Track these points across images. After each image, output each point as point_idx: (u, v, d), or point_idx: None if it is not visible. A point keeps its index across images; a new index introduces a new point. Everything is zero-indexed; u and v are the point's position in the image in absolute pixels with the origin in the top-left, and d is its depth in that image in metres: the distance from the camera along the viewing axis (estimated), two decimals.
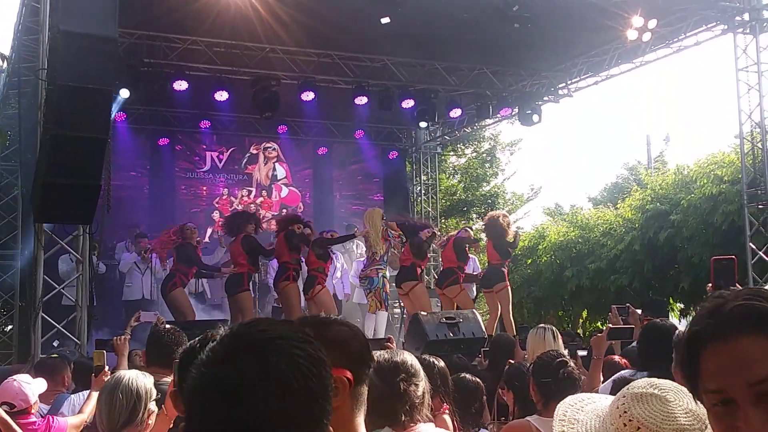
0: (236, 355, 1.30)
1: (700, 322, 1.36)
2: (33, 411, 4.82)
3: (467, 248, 12.41)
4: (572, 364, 4.10)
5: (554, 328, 6.10)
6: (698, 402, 1.80)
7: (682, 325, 6.24)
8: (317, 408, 1.32)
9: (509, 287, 12.39)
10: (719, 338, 1.31)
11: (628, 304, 7.40)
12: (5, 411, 4.61)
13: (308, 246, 11.72)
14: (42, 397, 6.07)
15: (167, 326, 5.02)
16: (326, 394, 1.34)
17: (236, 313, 11.27)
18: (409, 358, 3.04)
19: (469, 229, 13.22)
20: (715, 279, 3.07)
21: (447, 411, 4.38)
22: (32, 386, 4.87)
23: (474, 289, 14.06)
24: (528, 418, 3.95)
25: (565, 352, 5.86)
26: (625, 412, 1.77)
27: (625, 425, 1.76)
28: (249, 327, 1.37)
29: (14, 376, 4.97)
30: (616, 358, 5.87)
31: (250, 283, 11.96)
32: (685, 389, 1.82)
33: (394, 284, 12.33)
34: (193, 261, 11.81)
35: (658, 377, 2.00)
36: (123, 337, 6.06)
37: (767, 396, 1.27)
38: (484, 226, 12.90)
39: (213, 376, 1.30)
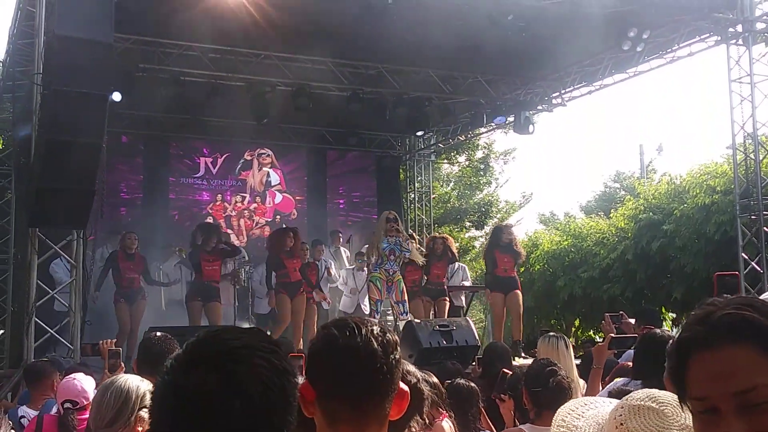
0: (198, 363, 1.28)
1: (689, 328, 1.36)
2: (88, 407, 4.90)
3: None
4: (562, 373, 4.10)
5: (566, 336, 6.00)
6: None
7: (674, 334, 6.20)
8: (277, 420, 1.30)
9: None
10: (707, 346, 1.31)
11: (621, 312, 7.37)
12: (68, 408, 4.70)
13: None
14: (32, 403, 6.06)
15: (158, 334, 5.02)
16: (288, 406, 1.32)
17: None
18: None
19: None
20: (717, 295, 3.03)
21: (446, 417, 4.42)
22: (88, 383, 4.95)
23: (462, 298, 14.00)
24: (521, 426, 3.97)
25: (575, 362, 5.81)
26: (622, 424, 1.76)
27: None
28: (215, 335, 1.35)
29: (72, 375, 5.04)
30: (629, 364, 5.73)
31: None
32: None
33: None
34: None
35: (651, 387, 1.99)
36: (110, 340, 6.11)
37: (750, 407, 1.27)
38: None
39: (175, 384, 1.28)
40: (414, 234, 11.64)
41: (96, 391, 5.06)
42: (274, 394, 1.29)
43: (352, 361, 1.82)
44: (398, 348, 1.93)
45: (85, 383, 4.90)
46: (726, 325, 1.30)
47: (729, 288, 2.87)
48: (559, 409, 1.96)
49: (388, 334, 1.90)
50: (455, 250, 12.15)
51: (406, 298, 11.18)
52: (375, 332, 1.87)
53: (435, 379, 4.63)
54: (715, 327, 1.31)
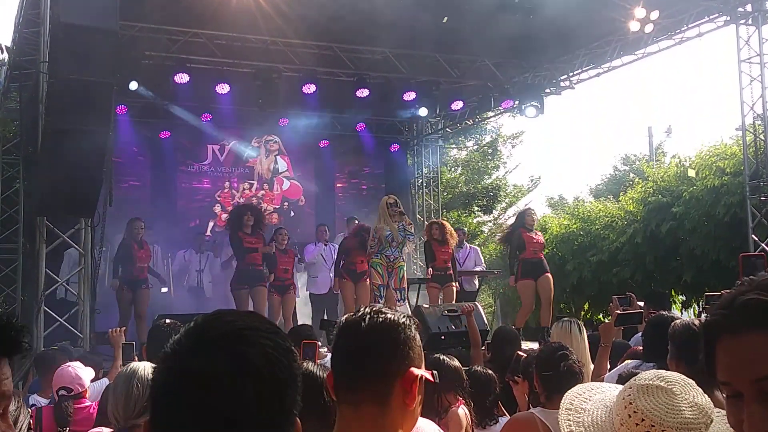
0: (205, 346, 1.27)
1: (716, 312, 1.33)
2: (87, 395, 4.92)
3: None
4: (573, 357, 4.09)
5: (579, 321, 6.00)
6: (705, 395, 1.79)
7: (684, 317, 6.15)
8: (287, 398, 1.30)
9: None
10: (729, 331, 1.28)
11: (629, 293, 7.33)
12: (63, 395, 4.75)
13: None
14: (43, 392, 6.09)
15: (168, 320, 5.06)
16: (294, 384, 1.32)
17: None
18: None
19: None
20: (743, 276, 2.99)
21: (462, 404, 4.45)
22: (84, 371, 4.98)
23: (476, 281, 13.99)
24: (532, 410, 3.96)
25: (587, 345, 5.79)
26: (630, 403, 1.77)
27: (629, 416, 1.76)
28: (216, 319, 1.34)
29: (68, 363, 5.10)
30: (640, 348, 5.69)
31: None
32: (692, 382, 1.80)
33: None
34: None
35: (663, 368, 1.98)
36: (118, 329, 6.15)
37: None
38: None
39: (181, 368, 1.27)
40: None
41: (107, 381, 5.11)
42: (282, 374, 1.29)
43: (346, 339, 1.92)
44: (402, 330, 1.90)
45: (80, 370, 4.94)
46: (747, 310, 1.26)
47: (755, 268, 2.82)
48: (566, 393, 1.96)
49: (388, 315, 1.92)
50: (454, 233, 12.00)
51: (405, 285, 11.15)
52: (370, 313, 1.91)
53: (457, 363, 4.66)
54: (737, 312, 1.28)
